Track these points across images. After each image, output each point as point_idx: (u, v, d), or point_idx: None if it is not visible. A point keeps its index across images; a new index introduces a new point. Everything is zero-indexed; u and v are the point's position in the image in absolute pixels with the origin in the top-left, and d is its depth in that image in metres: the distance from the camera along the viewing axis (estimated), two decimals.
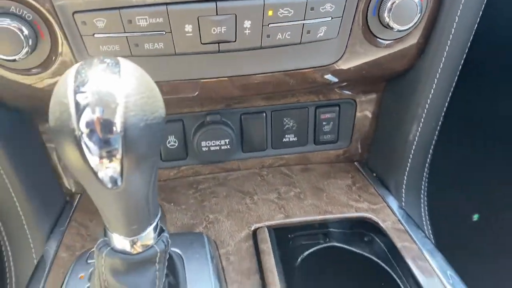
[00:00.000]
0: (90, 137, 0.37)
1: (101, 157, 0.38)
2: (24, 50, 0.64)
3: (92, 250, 0.78)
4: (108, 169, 0.39)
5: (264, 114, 0.96)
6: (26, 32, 0.63)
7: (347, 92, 0.97)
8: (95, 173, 0.39)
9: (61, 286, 0.73)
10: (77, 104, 0.37)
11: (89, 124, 0.36)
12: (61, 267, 0.80)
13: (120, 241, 0.50)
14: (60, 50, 0.69)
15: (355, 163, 1.08)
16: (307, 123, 0.99)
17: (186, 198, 0.97)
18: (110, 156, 0.38)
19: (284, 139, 1.00)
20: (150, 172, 0.45)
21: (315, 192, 0.97)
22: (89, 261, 0.77)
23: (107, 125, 0.37)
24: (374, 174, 1.04)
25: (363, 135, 1.04)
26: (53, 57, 0.69)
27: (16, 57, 0.65)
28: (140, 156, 0.40)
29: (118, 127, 0.37)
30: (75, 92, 0.37)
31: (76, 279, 0.74)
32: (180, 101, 0.82)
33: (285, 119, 0.97)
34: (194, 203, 0.95)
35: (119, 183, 0.40)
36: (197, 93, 0.78)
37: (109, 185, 0.40)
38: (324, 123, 0.99)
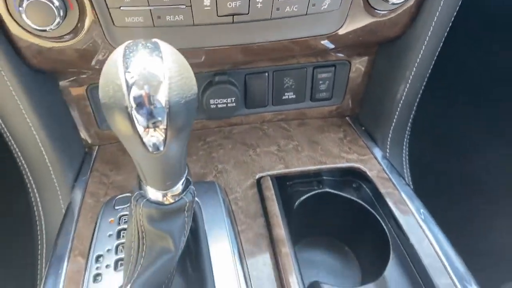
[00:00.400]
0: (139, 112, 0.42)
1: (147, 127, 0.44)
2: (56, 21, 0.67)
3: (118, 197, 0.86)
4: (153, 137, 0.45)
5: (267, 74, 1.00)
6: (56, 3, 0.66)
7: (342, 54, 1.02)
8: (142, 140, 0.45)
9: (94, 229, 0.81)
10: (128, 85, 0.42)
11: (139, 102, 0.42)
12: (89, 212, 0.87)
13: (154, 194, 0.56)
14: (87, 20, 0.72)
15: (347, 118, 1.15)
16: (305, 82, 1.04)
17: (197, 150, 1.03)
18: (155, 127, 0.44)
19: (283, 97, 1.05)
20: (186, 139, 0.52)
21: (311, 145, 1.04)
22: (116, 207, 0.84)
23: (155, 102, 0.42)
24: (363, 128, 1.11)
25: (355, 93, 1.10)
26: (81, 27, 0.73)
27: (47, 28, 0.68)
28: (180, 127, 0.46)
29: (163, 104, 0.43)
30: (126, 74, 0.42)
31: (107, 223, 0.81)
32: (191, 63, 0.86)
33: (285, 78, 1.02)
34: (204, 154, 1.02)
35: (161, 148, 0.47)
36: (210, 59, 0.82)
37: (151, 150, 0.47)
38: (320, 82, 1.04)
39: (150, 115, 0.43)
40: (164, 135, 0.45)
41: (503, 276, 1.03)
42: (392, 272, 0.80)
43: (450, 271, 0.76)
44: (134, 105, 0.42)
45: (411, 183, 1.13)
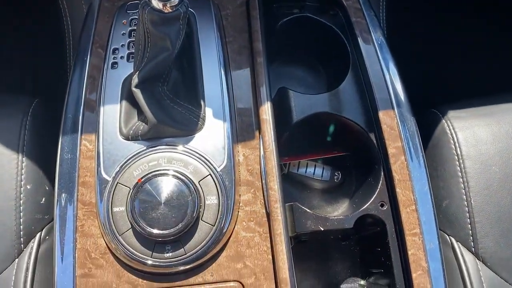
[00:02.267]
0: None
1: None
2: None
3: (129, 3, 0.96)
4: None
5: None
6: None
7: None
8: None
9: (110, 28, 0.92)
10: None
11: None
12: (106, 14, 0.97)
13: (157, 3, 0.67)
14: None
15: None
16: None
17: None
18: None
19: None
20: None
21: None
22: (128, 12, 0.93)
23: None
24: None
25: None
26: None
27: None
28: None
29: None
30: None
31: (121, 24, 0.92)
32: None
33: None
34: None
35: None
36: None
37: None
38: None
39: None
40: None
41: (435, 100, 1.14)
42: (347, 86, 0.94)
43: (390, 88, 0.90)
44: None
45: (384, 18, 1.18)
